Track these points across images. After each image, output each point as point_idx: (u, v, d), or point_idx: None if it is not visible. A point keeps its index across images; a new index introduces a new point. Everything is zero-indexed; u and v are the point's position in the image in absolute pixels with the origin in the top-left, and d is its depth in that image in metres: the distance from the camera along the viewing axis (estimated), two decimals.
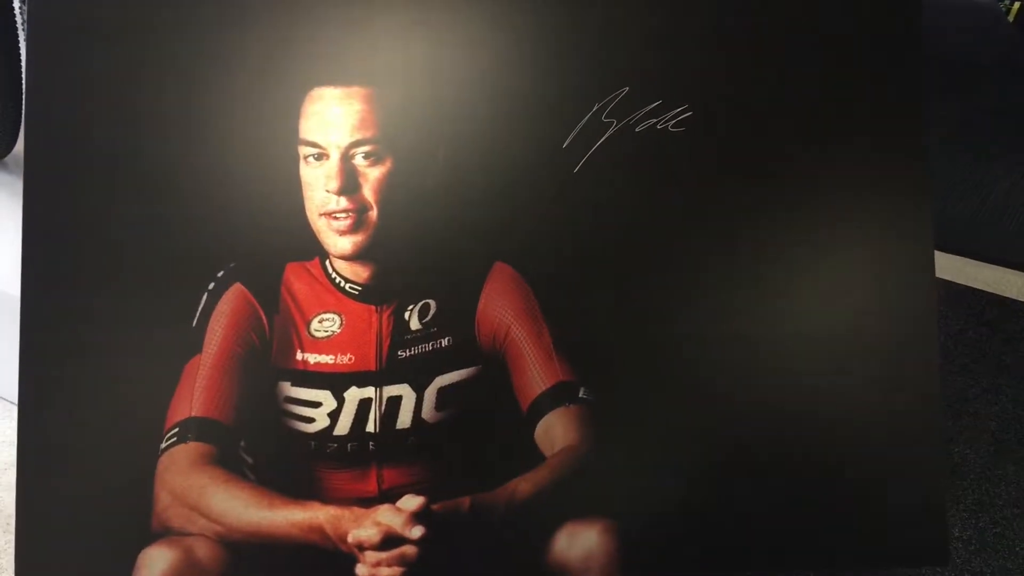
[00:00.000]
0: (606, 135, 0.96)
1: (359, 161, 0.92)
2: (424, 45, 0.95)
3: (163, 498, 0.88)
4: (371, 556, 0.84)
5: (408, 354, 0.94)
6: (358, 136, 0.92)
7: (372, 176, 0.93)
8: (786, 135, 0.99)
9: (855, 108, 0.99)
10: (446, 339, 0.95)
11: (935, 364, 0.98)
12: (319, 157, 0.92)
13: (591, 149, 0.96)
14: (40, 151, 0.93)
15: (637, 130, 0.96)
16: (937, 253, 1.01)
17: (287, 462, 0.93)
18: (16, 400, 0.90)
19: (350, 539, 0.85)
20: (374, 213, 0.93)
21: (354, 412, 0.92)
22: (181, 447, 0.89)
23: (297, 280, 0.94)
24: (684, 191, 0.97)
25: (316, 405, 0.93)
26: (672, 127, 0.97)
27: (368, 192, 0.92)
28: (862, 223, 0.99)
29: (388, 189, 0.93)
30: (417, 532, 0.84)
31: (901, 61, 1.00)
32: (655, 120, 0.97)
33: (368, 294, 0.94)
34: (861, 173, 0.99)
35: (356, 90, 0.93)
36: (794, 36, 0.99)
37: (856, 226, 0.99)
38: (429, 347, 0.94)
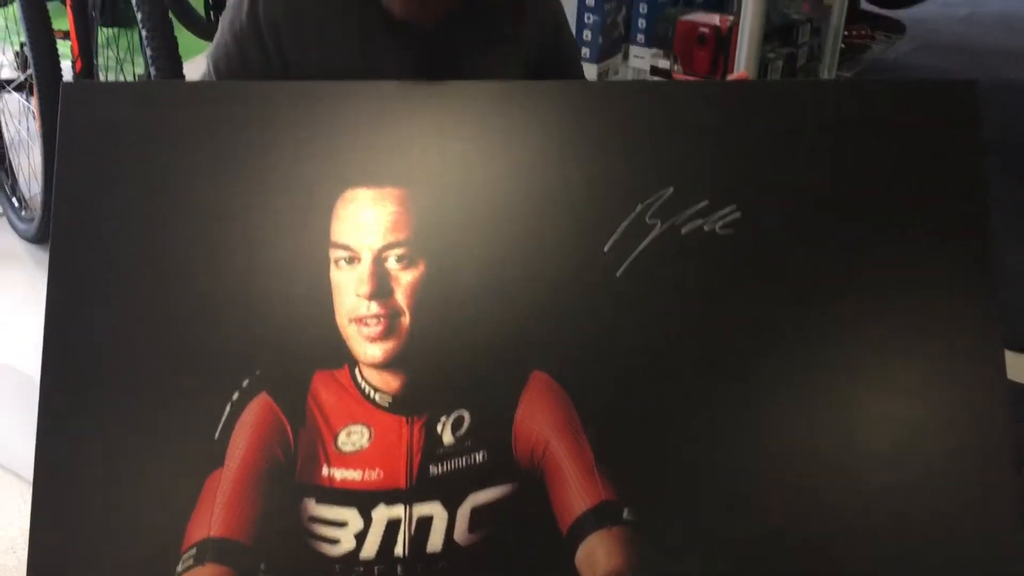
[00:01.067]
0: (650, 237, 0.93)
1: (392, 264, 0.91)
2: (460, 144, 0.94)
3: None
4: None
5: (440, 470, 0.90)
6: (391, 238, 0.91)
7: (405, 280, 0.91)
8: (841, 236, 0.95)
9: (914, 206, 0.96)
10: (481, 454, 0.90)
11: (1009, 478, 0.91)
12: (351, 260, 0.91)
13: (634, 252, 0.93)
14: (66, 249, 0.93)
15: (683, 232, 0.93)
16: (1008, 353, 0.95)
17: None
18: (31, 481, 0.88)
19: None
20: (406, 319, 0.90)
21: (382, 533, 0.88)
22: (198, 570, 0.85)
23: (325, 390, 0.91)
24: (733, 296, 0.93)
25: (342, 525, 0.88)
26: (720, 229, 0.94)
27: (401, 297, 0.90)
28: (924, 327, 0.94)
29: (421, 293, 0.90)
30: None
31: (961, 156, 0.97)
32: (701, 221, 0.94)
33: (399, 405, 0.91)
34: (922, 275, 0.95)
35: (390, 191, 0.92)
36: (848, 133, 0.96)
37: (918, 330, 0.94)
38: (463, 462, 0.90)
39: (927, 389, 0.94)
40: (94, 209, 0.93)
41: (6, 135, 2.25)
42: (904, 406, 0.93)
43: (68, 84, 0.97)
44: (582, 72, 1.33)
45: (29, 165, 2.20)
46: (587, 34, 1.73)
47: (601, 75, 1.77)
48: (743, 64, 1.46)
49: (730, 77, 1.14)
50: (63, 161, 0.94)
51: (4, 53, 2.18)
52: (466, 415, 0.91)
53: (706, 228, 0.94)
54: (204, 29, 2.84)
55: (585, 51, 1.74)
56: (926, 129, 0.97)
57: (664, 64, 1.67)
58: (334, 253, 0.91)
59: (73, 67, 1.83)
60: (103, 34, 1.88)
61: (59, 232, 0.93)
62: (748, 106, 0.97)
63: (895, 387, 0.93)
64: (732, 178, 0.95)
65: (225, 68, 1.13)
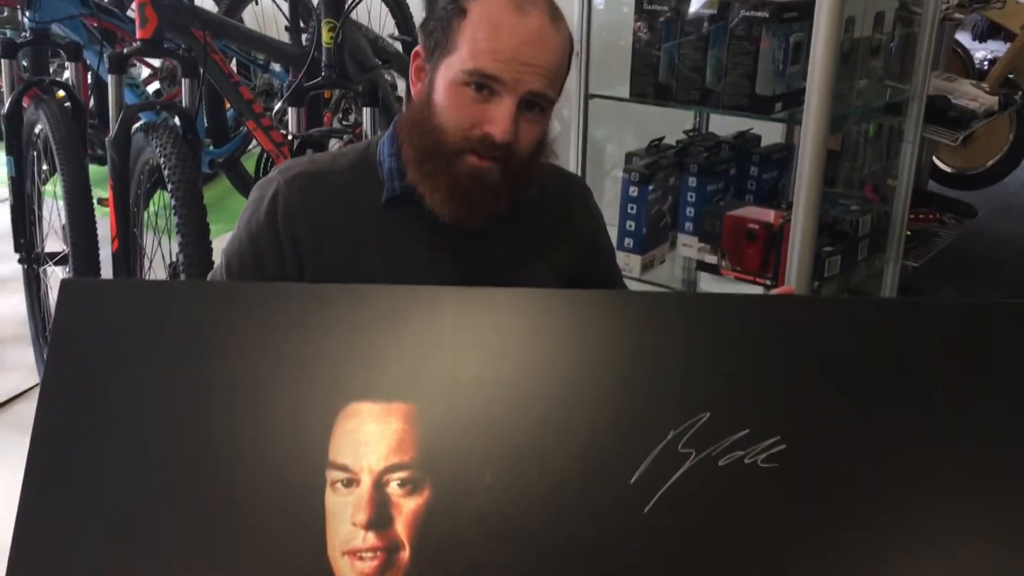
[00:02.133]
0: (683, 469, 0.86)
1: (394, 489, 0.84)
2: (473, 357, 0.90)
3: None
4: None
5: None
6: (394, 460, 0.85)
7: (407, 508, 0.84)
8: (901, 472, 0.86)
9: (993, 435, 0.87)
10: None
11: None
12: (349, 483, 0.85)
13: (665, 485, 0.85)
14: (46, 452, 0.88)
15: (720, 464, 0.86)
16: None
17: None
18: None
19: None
20: (406, 554, 0.83)
21: None
22: None
23: None
24: (776, 539, 0.84)
25: None
26: (762, 462, 0.86)
27: (401, 527, 0.83)
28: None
29: (425, 524, 0.83)
30: None
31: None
32: (742, 453, 0.86)
33: None
34: (1005, 519, 0.85)
35: (396, 406, 0.87)
36: (908, 357, 0.90)
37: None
38: None
39: None
40: (77, 415, 0.89)
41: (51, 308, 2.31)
42: None
43: (66, 281, 0.97)
44: (619, 275, 1.31)
45: None
46: (630, 224, 1.71)
47: (646, 266, 1.74)
48: (795, 263, 1.41)
49: (774, 291, 1.08)
50: (54, 358, 0.92)
51: (51, 225, 2.28)
52: None
53: (747, 461, 0.86)
54: None
55: (628, 241, 1.73)
56: (1000, 349, 0.91)
57: (712, 259, 1.63)
58: (331, 474, 0.85)
59: (111, 245, 1.88)
60: (160, 198, 1.95)
61: (37, 440, 0.89)
62: (794, 324, 0.92)
63: None
64: (776, 404, 0.88)
65: (237, 267, 1.12)
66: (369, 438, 0.86)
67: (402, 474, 0.85)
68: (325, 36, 1.72)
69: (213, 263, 1.73)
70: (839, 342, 0.91)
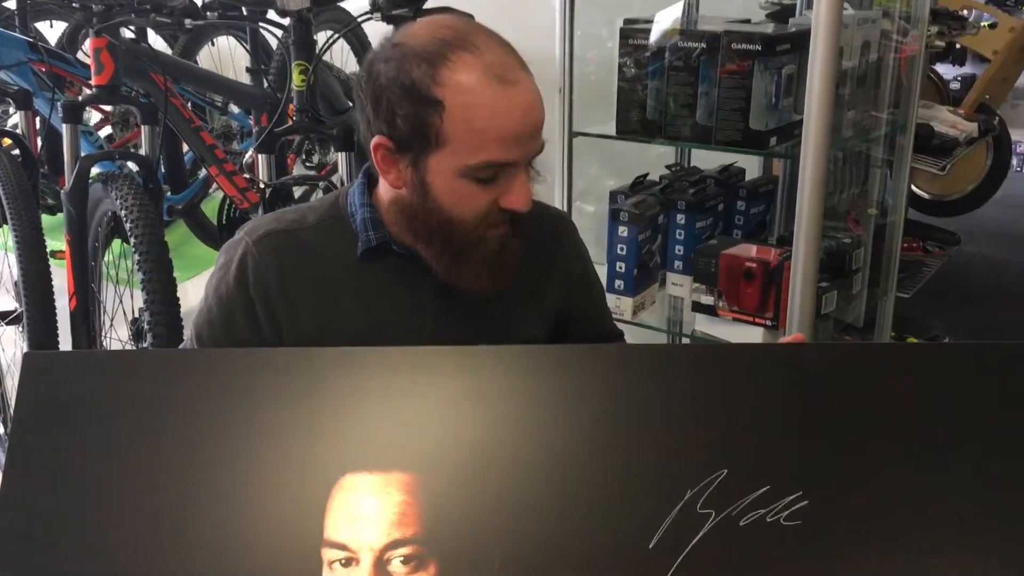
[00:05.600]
0: (703, 531, 0.84)
1: (397, 568, 0.82)
2: (476, 421, 0.88)
3: None
4: None
5: None
6: (397, 535, 0.82)
7: None
8: (924, 523, 0.86)
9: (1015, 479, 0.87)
10: None
11: None
12: (347, 563, 0.82)
13: (685, 549, 0.83)
14: (9, 538, 0.86)
15: (742, 524, 0.84)
16: None
17: None
18: None
19: None
20: None
21: None
22: None
23: None
24: None
25: None
26: (785, 520, 0.85)
27: None
28: None
29: None
30: None
31: None
32: (764, 511, 0.85)
33: None
34: None
35: (396, 477, 0.85)
36: (926, 402, 0.89)
37: None
38: None
39: None
40: (45, 500, 0.86)
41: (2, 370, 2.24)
42: None
43: (29, 355, 0.94)
44: (609, 313, 1.30)
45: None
46: (620, 266, 1.70)
47: (637, 308, 1.73)
48: (797, 302, 1.41)
49: (784, 340, 1.07)
50: (17, 439, 0.89)
51: (2, 281, 2.22)
52: None
53: (769, 519, 0.85)
54: (217, 240, 2.90)
55: (619, 283, 1.72)
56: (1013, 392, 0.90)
57: (708, 300, 1.62)
58: (327, 554, 0.83)
59: (69, 303, 1.83)
60: (117, 246, 1.91)
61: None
62: (807, 374, 0.91)
63: None
64: (795, 458, 0.87)
65: (208, 336, 1.08)
66: (368, 512, 0.83)
67: (405, 550, 0.82)
68: (296, 79, 1.70)
69: (180, 320, 1.70)
70: (856, 390, 0.90)
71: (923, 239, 2.82)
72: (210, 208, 3.04)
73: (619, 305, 1.69)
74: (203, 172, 2.77)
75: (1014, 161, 4.38)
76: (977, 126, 2.76)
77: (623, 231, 1.66)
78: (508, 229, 1.02)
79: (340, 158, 1.79)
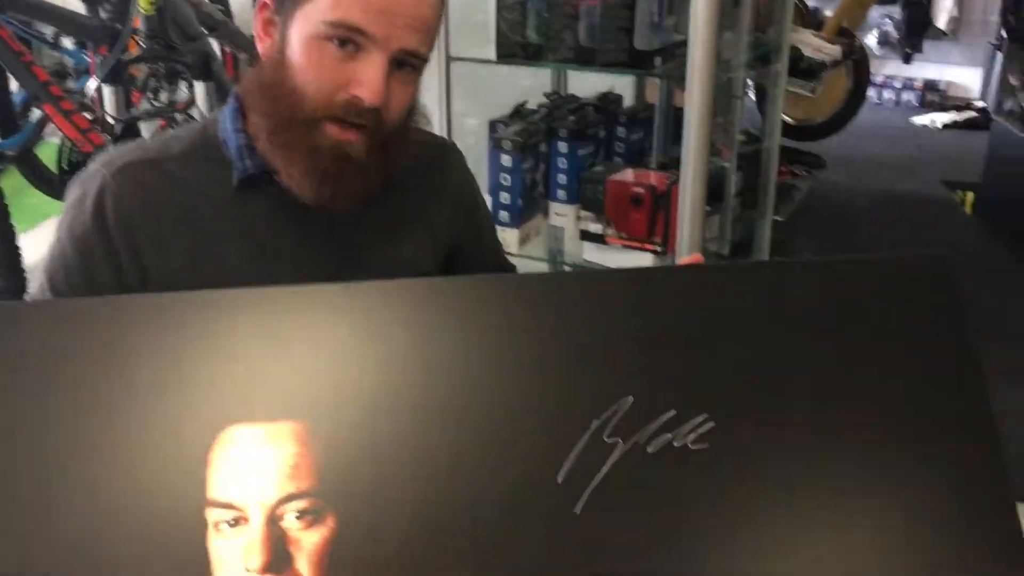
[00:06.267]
0: (611, 461, 0.83)
1: (291, 523, 0.77)
2: (371, 362, 0.84)
3: None
4: None
5: None
6: (290, 489, 0.78)
7: (309, 543, 0.77)
8: (829, 432, 0.87)
9: (906, 387, 0.89)
10: None
11: None
12: (235, 522, 0.77)
13: (594, 481, 0.82)
14: None
15: (650, 450, 0.84)
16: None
17: None
18: None
19: None
20: None
21: None
22: None
23: None
24: (715, 523, 0.83)
25: None
26: (692, 443, 0.85)
27: (305, 567, 0.77)
28: (930, 523, 0.87)
29: (333, 561, 0.77)
30: None
31: (945, 328, 0.92)
32: (670, 436, 0.85)
33: None
34: (923, 459, 0.88)
35: (285, 426, 0.80)
36: (825, 319, 0.90)
37: (924, 522, 0.86)
38: None
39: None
40: None
41: None
42: None
43: None
44: (501, 249, 1.27)
45: None
46: (505, 197, 1.67)
47: (523, 239, 1.71)
48: (687, 227, 1.41)
49: (682, 261, 1.06)
50: None
51: None
52: None
53: (676, 444, 0.85)
54: (57, 188, 2.70)
55: (504, 215, 1.69)
56: (906, 305, 0.93)
57: (596, 228, 1.61)
58: (212, 514, 0.77)
59: None
60: None
61: None
62: (708, 296, 0.91)
63: None
64: (700, 381, 0.87)
65: (64, 283, 0.99)
66: (256, 466, 0.78)
67: (300, 504, 0.78)
68: (143, 2, 1.55)
69: (23, 272, 1.57)
70: (757, 309, 0.90)
71: (790, 163, 2.91)
72: (46, 154, 2.84)
73: (505, 237, 1.67)
74: (36, 113, 2.56)
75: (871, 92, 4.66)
76: (840, 49, 2.85)
77: (506, 160, 1.62)
78: (359, 139, 0.96)
79: (198, 89, 1.67)
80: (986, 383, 0.90)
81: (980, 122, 5.49)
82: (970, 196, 4.14)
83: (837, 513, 0.85)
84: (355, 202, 1.00)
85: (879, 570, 0.85)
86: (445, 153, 1.16)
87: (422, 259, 1.10)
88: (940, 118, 5.84)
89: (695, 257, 1.02)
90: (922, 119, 5.89)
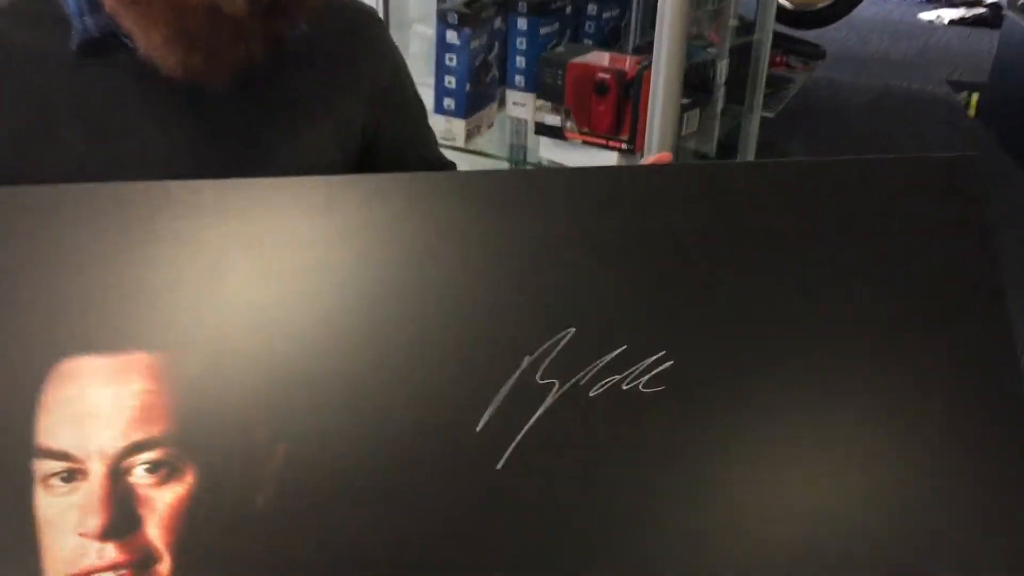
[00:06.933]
0: (544, 406, 0.74)
1: (140, 477, 0.71)
2: (248, 279, 0.74)
3: None
4: None
5: None
6: (138, 436, 0.71)
7: (161, 502, 0.71)
8: (824, 393, 0.78)
9: (920, 304, 0.80)
10: None
11: None
12: (70, 476, 0.71)
13: (522, 430, 0.74)
14: None
15: (592, 394, 0.75)
16: None
17: None
18: None
19: None
20: (165, 567, 0.70)
21: None
22: None
23: None
24: (665, 480, 0.75)
25: None
26: (645, 386, 0.76)
27: (154, 530, 0.70)
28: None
29: (189, 523, 0.71)
30: None
31: (963, 234, 0.83)
32: (618, 377, 0.76)
33: None
34: (938, 386, 0.79)
35: (134, 358, 0.72)
36: (817, 230, 0.80)
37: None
38: None
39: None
40: None
41: None
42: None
43: None
44: (434, 140, 1.14)
45: None
46: (449, 80, 1.52)
47: (472, 132, 1.56)
48: (657, 121, 1.27)
49: (647, 160, 0.93)
50: None
51: None
52: None
53: (625, 386, 0.76)
54: None
55: (448, 103, 1.54)
56: (918, 215, 0.83)
57: (553, 120, 1.47)
58: (42, 466, 0.70)
59: None
60: None
61: None
62: (675, 204, 0.79)
63: None
64: (657, 309, 0.77)
65: None
66: (96, 408, 0.71)
67: (151, 455, 0.71)
68: None
69: None
70: (735, 220, 0.79)
71: (786, 53, 2.77)
72: None
73: (450, 128, 1.52)
74: None
75: None
76: None
77: (452, 36, 1.46)
78: None
79: None
80: (1009, 314, 0.81)
81: (989, 19, 5.46)
82: (975, 98, 4.09)
83: (830, 469, 0.76)
84: (234, 75, 0.87)
85: (883, 531, 0.76)
86: (362, 21, 1.02)
87: (324, 151, 0.98)
88: (947, 14, 5.81)
89: (661, 156, 0.89)
90: (929, 14, 5.87)
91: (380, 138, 1.03)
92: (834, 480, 0.77)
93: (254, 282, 0.73)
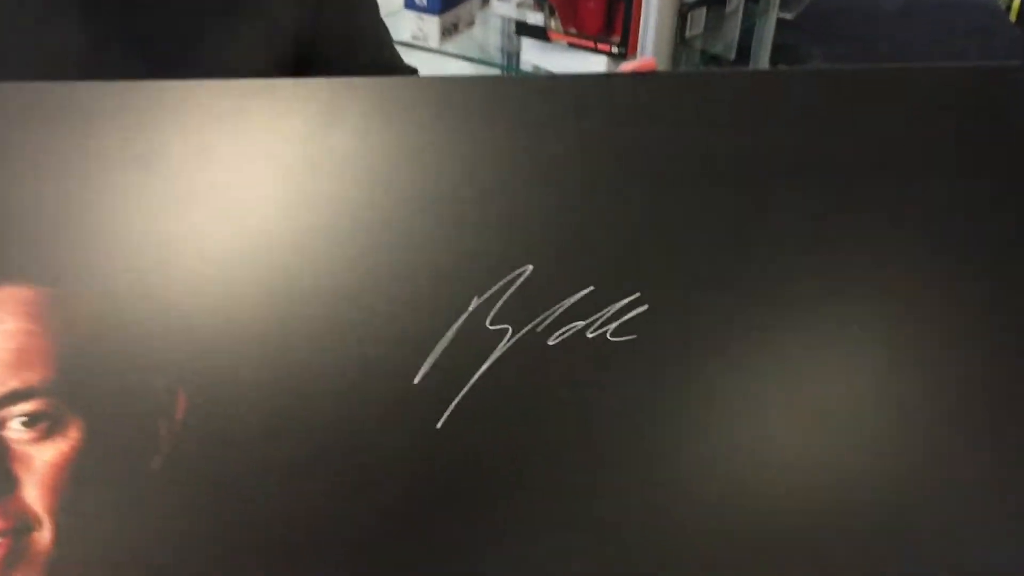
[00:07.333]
0: (493, 356, 0.67)
1: (16, 432, 0.65)
2: (156, 197, 0.64)
3: None
4: None
5: None
6: (12, 384, 0.65)
7: (41, 460, 0.65)
8: (833, 346, 0.70)
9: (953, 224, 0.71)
10: None
11: None
12: None
13: (466, 384, 0.67)
14: None
15: (551, 343, 0.68)
16: None
17: None
18: None
19: None
20: (46, 534, 0.65)
21: None
22: None
23: None
24: (631, 444, 0.68)
25: None
26: (613, 334, 0.68)
27: (33, 492, 0.65)
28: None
29: (74, 483, 0.65)
30: None
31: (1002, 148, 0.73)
32: (582, 323, 0.68)
33: None
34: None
35: (10, 293, 0.65)
36: (808, 153, 0.70)
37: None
38: None
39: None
40: None
41: None
42: None
43: None
44: (389, 42, 1.03)
45: None
46: None
47: (447, 31, 1.44)
48: (653, 21, 1.15)
49: (627, 66, 0.82)
50: None
51: None
52: None
53: (590, 334, 0.68)
54: None
55: None
56: (958, 127, 0.73)
57: (536, 19, 1.34)
58: None
59: None
60: None
61: None
62: (656, 118, 0.69)
63: None
64: (631, 244, 0.68)
65: None
66: None
67: (27, 407, 0.64)
68: None
69: None
70: (734, 139, 0.70)
71: None
72: None
73: (421, 28, 1.39)
74: None
75: None
76: None
77: None
78: None
79: None
80: None
81: None
82: (1017, 2, 3.88)
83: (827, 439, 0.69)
84: None
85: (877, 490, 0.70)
86: None
87: (255, 53, 0.88)
88: None
89: (644, 62, 0.78)
90: None
91: (320, 41, 0.93)
92: (829, 452, 0.69)
93: (160, 208, 0.65)
